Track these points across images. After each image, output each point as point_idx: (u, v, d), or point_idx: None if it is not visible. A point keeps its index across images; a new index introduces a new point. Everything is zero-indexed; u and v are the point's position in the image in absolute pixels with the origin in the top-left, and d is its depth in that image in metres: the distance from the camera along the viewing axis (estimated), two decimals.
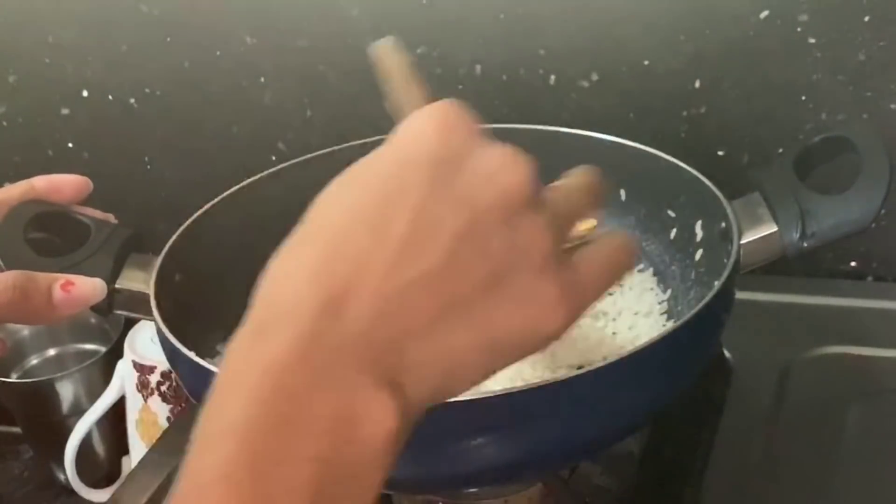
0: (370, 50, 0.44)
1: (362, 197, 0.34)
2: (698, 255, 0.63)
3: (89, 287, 0.58)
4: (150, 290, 0.58)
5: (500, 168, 0.34)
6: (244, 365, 0.33)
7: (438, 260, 0.33)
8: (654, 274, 0.67)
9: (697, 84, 0.78)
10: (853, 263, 0.81)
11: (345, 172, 0.36)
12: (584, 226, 0.37)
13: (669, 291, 0.65)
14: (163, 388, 0.79)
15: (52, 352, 0.94)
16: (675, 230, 0.65)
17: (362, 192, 0.35)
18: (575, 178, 0.39)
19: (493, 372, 0.35)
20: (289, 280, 0.34)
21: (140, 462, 0.72)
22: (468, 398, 0.46)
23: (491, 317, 0.34)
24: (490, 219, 0.34)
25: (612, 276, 0.38)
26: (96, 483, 0.85)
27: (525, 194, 0.34)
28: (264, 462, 0.31)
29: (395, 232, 0.33)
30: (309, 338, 0.32)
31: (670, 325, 0.63)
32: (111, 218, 0.63)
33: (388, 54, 0.44)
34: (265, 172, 0.68)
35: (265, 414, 0.32)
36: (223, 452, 0.31)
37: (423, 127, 0.35)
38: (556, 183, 0.39)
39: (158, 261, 0.60)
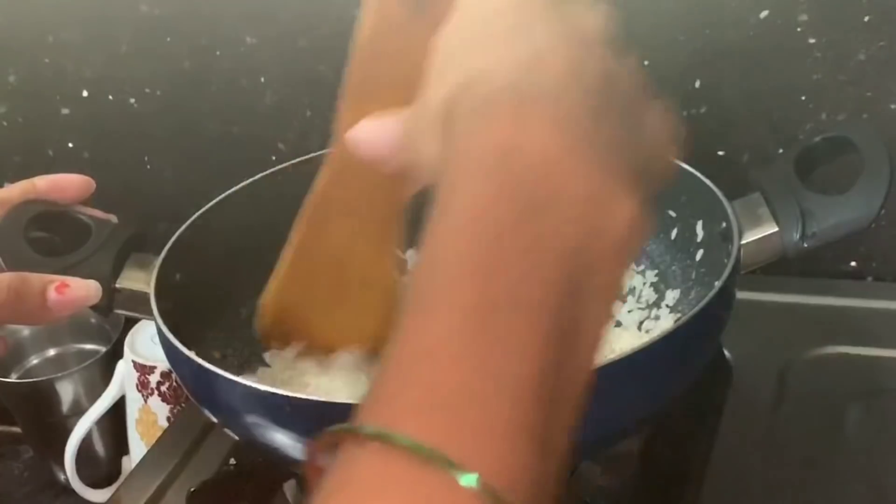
0: None
1: (499, 24, 0.35)
2: (699, 255, 0.63)
3: (84, 289, 0.58)
4: (151, 290, 0.58)
5: (588, 9, 0.37)
6: (484, 148, 0.32)
7: (600, 69, 0.34)
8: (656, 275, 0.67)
9: (697, 84, 0.78)
10: (853, 263, 0.81)
11: (459, 20, 0.36)
12: None
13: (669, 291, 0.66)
14: (163, 388, 0.79)
15: (52, 352, 0.94)
16: (675, 230, 0.65)
17: (498, 21, 0.35)
18: None
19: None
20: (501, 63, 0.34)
21: (140, 462, 0.72)
22: None
23: (641, 128, 0.35)
24: (611, 48, 0.36)
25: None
26: (96, 483, 0.85)
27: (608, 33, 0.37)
28: (512, 254, 0.30)
29: (561, 46, 0.34)
30: (561, 118, 0.32)
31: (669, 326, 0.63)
32: (113, 218, 0.63)
33: None
34: (265, 172, 0.68)
35: (513, 199, 0.31)
36: (464, 241, 0.30)
37: None
38: None
39: (158, 260, 0.60)
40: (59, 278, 0.57)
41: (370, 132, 0.40)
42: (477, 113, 0.33)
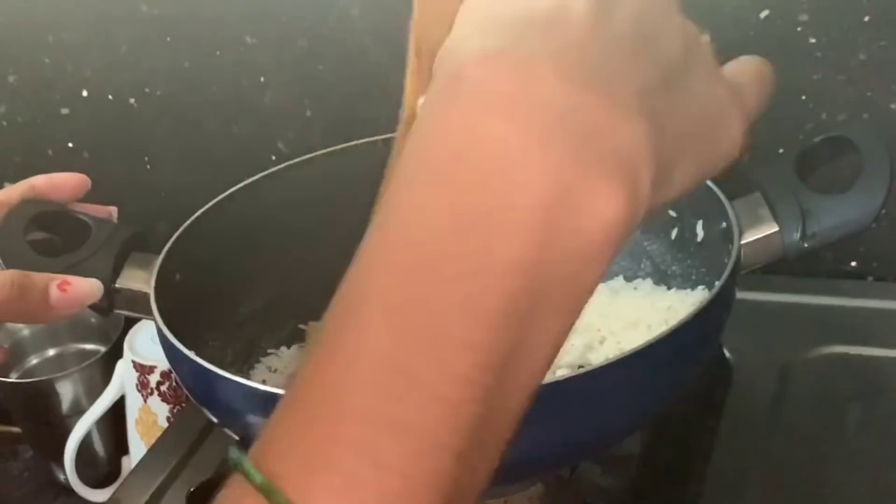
0: None
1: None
2: (699, 255, 0.63)
3: (86, 287, 0.58)
4: (151, 290, 0.58)
5: None
6: (435, 132, 0.27)
7: (639, 34, 0.30)
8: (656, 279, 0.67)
9: None
10: (853, 263, 0.81)
11: None
12: None
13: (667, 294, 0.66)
14: (163, 388, 0.79)
15: (52, 352, 0.94)
16: (676, 230, 0.65)
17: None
18: None
19: (697, 180, 0.32)
20: (486, 27, 0.28)
21: (140, 462, 0.72)
22: None
23: (692, 98, 0.31)
24: (670, 11, 0.32)
25: (763, 88, 0.36)
26: (96, 483, 0.85)
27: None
28: (439, 277, 0.26)
29: (577, 6, 0.29)
30: (542, 101, 0.26)
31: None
32: (113, 211, 0.63)
33: None
34: (265, 172, 0.68)
35: (453, 203, 0.26)
36: (389, 266, 0.26)
37: None
38: None
39: (159, 260, 0.60)
40: (61, 276, 0.57)
41: None
42: (441, 93, 0.28)
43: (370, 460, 0.26)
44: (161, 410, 0.79)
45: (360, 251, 0.28)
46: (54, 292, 0.57)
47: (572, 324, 0.27)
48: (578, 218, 0.26)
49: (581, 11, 0.29)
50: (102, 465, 0.87)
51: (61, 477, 0.86)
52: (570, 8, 0.29)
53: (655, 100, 0.29)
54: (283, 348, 0.68)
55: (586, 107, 0.27)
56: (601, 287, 0.66)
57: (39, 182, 0.61)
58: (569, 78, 0.27)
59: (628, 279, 0.68)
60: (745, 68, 0.35)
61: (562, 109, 0.26)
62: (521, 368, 0.27)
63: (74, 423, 0.82)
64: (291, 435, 0.27)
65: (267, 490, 0.26)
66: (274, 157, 0.90)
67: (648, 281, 0.67)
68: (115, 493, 0.70)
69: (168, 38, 0.89)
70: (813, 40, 0.75)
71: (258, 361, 0.67)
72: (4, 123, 0.98)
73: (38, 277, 0.57)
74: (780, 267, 0.60)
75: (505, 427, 0.28)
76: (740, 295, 0.55)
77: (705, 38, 0.33)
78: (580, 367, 0.58)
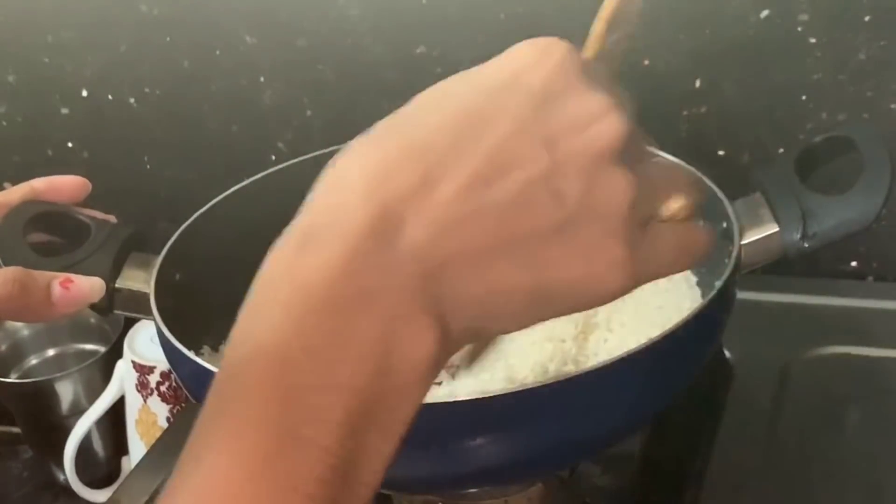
0: None
1: (447, 112, 0.33)
2: None
3: (88, 285, 0.58)
4: (150, 290, 0.58)
5: (595, 116, 0.33)
6: (283, 276, 0.32)
7: (507, 196, 0.32)
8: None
9: (697, 84, 0.78)
10: (853, 263, 0.81)
11: (444, 82, 0.35)
12: (675, 204, 0.37)
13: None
14: (162, 388, 0.79)
15: (51, 352, 0.94)
16: None
17: (449, 107, 0.33)
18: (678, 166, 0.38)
19: (535, 321, 0.34)
20: (345, 186, 0.32)
21: (140, 462, 0.72)
22: (468, 398, 0.46)
23: (548, 263, 0.33)
24: (571, 167, 0.32)
25: (682, 260, 0.37)
26: (96, 483, 0.85)
27: (615, 149, 0.33)
28: (295, 389, 0.30)
29: (470, 157, 0.32)
30: (357, 255, 0.31)
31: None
32: (112, 219, 0.63)
33: None
34: (265, 172, 0.68)
35: (301, 334, 0.30)
36: (253, 375, 0.30)
37: (530, 58, 0.34)
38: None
39: (158, 260, 0.60)
40: (63, 274, 0.57)
41: None
42: (287, 238, 0.32)
43: None
44: (161, 410, 0.79)
45: (228, 352, 0.32)
46: (56, 290, 0.57)
47: (395, 446, 0.31)
48: (399, 356, 0.31)
49: (475, 158, 0.32)
50: (102, 465, 0.87)
51: (61, 477, 0.86)
52: (468, 147, 0.32)
53: (515, 248, 0.32)
54: None
55: (402, 260, 0.31)
56: None
57: (39, 183, 0.61)
58: (386, 235, 0.31)
59: None
60: (674, 234, 0.36)
61: (384, 262, 0.31)
62: (361, 476, 0.31)
63: (74, 423, 0.82)
64: None
65: None
66: (274, 157, 0.90)
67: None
68: (115, 493, 0.70)
69: (168, 38, 0.89)
70: (813, 40, 0.75)
71: None
72: (4, 123, 0.97)
73: (41, 275, 0.57)
74: (780, 267, 0.60)
75: None
76: (740, 295, 0.55)
77: (629, 197, 0.33)
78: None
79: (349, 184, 0.32)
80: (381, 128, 0.34)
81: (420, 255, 0.31)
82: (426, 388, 0.32)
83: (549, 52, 0.34)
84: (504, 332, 0.35)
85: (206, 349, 0.62)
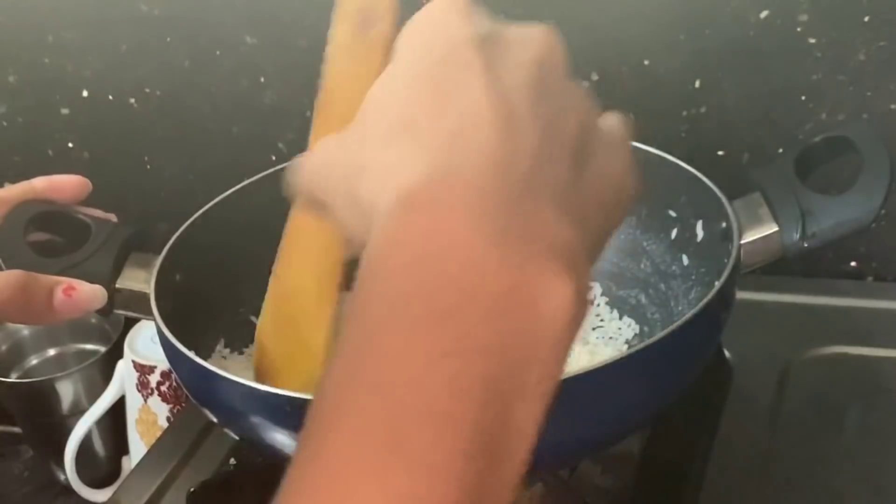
0: None
1: (434, 86, 0.33)
2: (699, 254, 0.63)
3: (90, 293, 0.58)
4: (151, 290, 0.58)
5: (539, 34, 0.35)
6: (399, 241, 0.30)
7: (545, 114, 0.32)
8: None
9: (697, 84, 0.78)
10: (853, 263, 0.81)
11: (392, 70, 0.35)
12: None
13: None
14: (163, 388, 0.79)
15: (52, 352, 0.94)
16: (675, 230, 0.65)
17: (431, 82, 0.33)
18: None
19: (613, 233, 0.35)
20: (415, 158, 0.31)
21: (140, 462, 0.72)
22: None
23: (600, 166, 0.34)
24: (556, 76, 0.34)
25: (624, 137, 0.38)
26: (96, 483, 0.86)
27: (564, 57, 0.35)
28: (425, 361, 0.28)
29: (489, 103, 0.32)
30: (479, 203, 0.29)
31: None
32: (113, 218, 0.63)
33: None
34: (265, 172, 0.68)
35: (428, 298, 0.29)
36: (378, 345, 0.29)
37: (443, 15, 0.35)
38: None
39: (159, 260, 0.60)
40: (66, 280, 0.57)
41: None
42: (393, 214, 0.30)
43: None
44: (161, 410, 0.79)
45: (345, 339, 0.30)
46: (59, 296, 0.57)
47: (547, 405, 0.30)
48: (535, 309, 0.29)
49: (489, 120, 0.31)
50: (102, 465, 0.87)
51: (61, 477, 0.87)
52: (480, 114, 0.31)
53: (570, 194, 0.32)
54: None
55: (525, 213, 0.30)
56: None
57: (40, 183, 0.61)
58: (506, 189, 0.30)
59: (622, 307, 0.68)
60: (613, 122, 0.37)
61: (506, 215, 0.30)
62: (509, 446, 0.29)
63: (74, 423, 0.82)
64: None
65: None
66: (274, 157, 0.90)
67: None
68: (115, 493, 0.70)
69: (168, 38, 0.89)
70: (813, 40, 0.75)
71: None
72: (4, 123, 0.98)
73: (44, 280, 0.57)
74: (780, 267, 0.60)
75: (499, 499, 0.29)
76: (740, 295, 0.55)
77: (587, 94, 0.35)
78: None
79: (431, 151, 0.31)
80: (393, 123, 0.33)
81: (539, 208, 0.30)
82: (569, 344, 0.30)
83: (456, 3, 0.35)
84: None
85: (220, 345, 0.62)
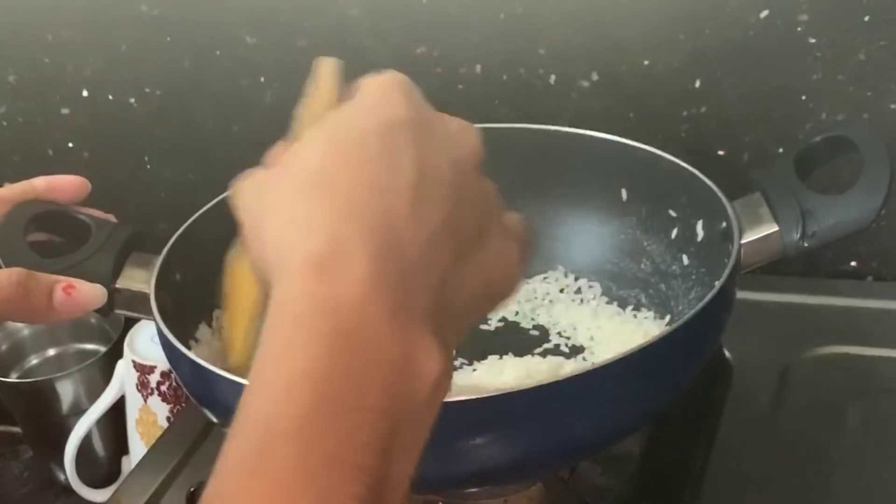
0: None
1: (363, 153, 0.36)
2: (699, 254, 0.63)
3: (90, 292, 0.58)
4: (151, 290, 0.58)
5: (462, 131, 0.38)
6: (307, 305, 0.32)
7: (448, 208, 0.35)
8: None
9: (697, 84, 0.78)
10: (853, 263, 0.81)
11: (328, 128, 0.38)
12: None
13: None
14: (163, 388, 0.79)
15: (52, 352, 0.94)
16: (676, 230, 0.65)
17: (361, 149, 0.36)
18: None
19: (484, 318, 0.38)
20: (324, 219, 0.34)
21: (140, 462, 0.72)
22: (468, 398, 0.46)
23: (484, 261, 0.37)
24: (470, 173, 0.37)
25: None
26: (96, 483, 0.86)
27: (481, 156, 0.38)
28: (334, 415, 0.31)
29: (406, 184, 0.35)
30: (377, 278, 0.32)
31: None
32: (112, 219, 0.63)
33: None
34: None
35: (336, 362, 0.31)
36: (291, 395, 0.31)
37: (390, 91, 0.38)
38: None
39: (159, 260, 0.60)
40: (66, 279, 0.57)
41: None
42: (299, 276, 0.33)
43: None
44: (161, 410, 0.79)
45: (255, 384, 0.33)
46: (59, 295, 0.57)
47: (419, 455, 0.33)
48: (417, 375, 0.32)
49: (406, 196, 0.35)
50: (102, 465, 0.87)
51: (61, 477, 0.86)
52: (398, 189, 0.35)
53: (452, 279, 0.35)
54: None
55: (413, 290, 0.33)
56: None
57: (40, 183, 0.61)
58: (401, 267, 0.33)
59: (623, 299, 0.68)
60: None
61: (399, 291, 0.33)
62: (387, 497, 0.32)
63: (74, 423, 0.82)
64: None
65: None
66: None
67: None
68: (115, 493, 0.70)
69: (168, 38, 0.89)
70: (813, 40, 0.75)
71: None
72: (4, 123, 0.97)
73: (44, 278, 0.57)
74: (780, 267, 0.60)
75: None
76: (740, 295, 0.55)
77: (494, 191, 0.38)
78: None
79: (329, 218, 0.34)
80: (313, 179, 0.36)
81: (420, 278, 0.34)
82: (438, 408, 0.34)
83: (401, 84, 0.38)
84: (464, 335, 0.37)
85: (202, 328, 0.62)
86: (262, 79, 0.88)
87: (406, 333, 0.32)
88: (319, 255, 0.33)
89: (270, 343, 0.33)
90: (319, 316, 0.32)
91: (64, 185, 0.61)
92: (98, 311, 0.60)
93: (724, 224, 0.58)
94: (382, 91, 0.38)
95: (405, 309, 0.33)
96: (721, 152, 0.80)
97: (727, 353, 0.71)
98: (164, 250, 0.61)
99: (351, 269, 0.32)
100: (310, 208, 0.35)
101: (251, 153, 0.99)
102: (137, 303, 0.60)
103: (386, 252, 0.33)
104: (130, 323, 0.83)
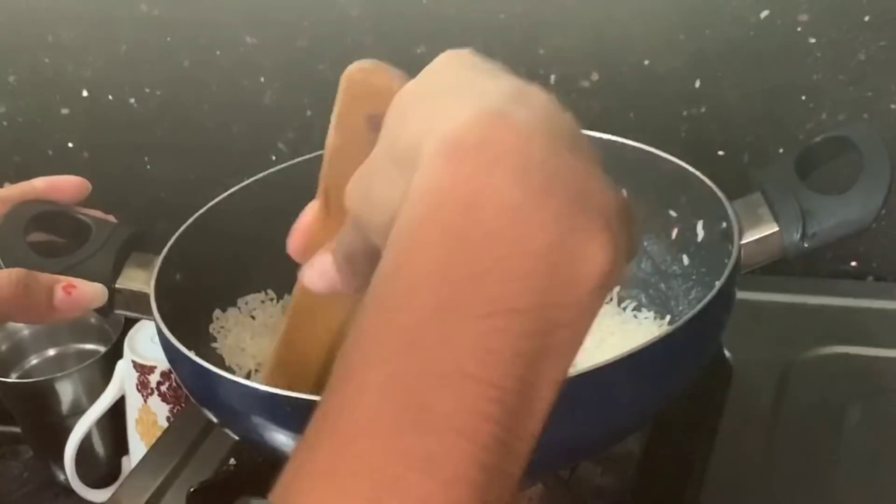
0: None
1: (465, 72, 0.33)
2: (699, 254, 0.63)
3: (90, 292, 0.58)
4: (151, 290, 0.58)
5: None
6: (437, 192, 0.29)
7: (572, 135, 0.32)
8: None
9: (697, 84, 0.78)
10: (853, 263, 0.81)
11: (419, 80, 0.34)
12: None
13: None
14: (163, 388, 0.79)
15: (52, 352, 0.94)
16: (676, 230, 0.65)
17: (467, 70, 0.33)
18: None
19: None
20: (471, 107, 0.30)
21: (140, 462, 0.72)
22: None
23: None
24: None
25: None
26: (96, 483, 0.85)
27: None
28: (458, 318, 0.28)
29: (538, 102, 0.32)
30: (538, 161, 0.29)
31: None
32: (112, 219, 0.63)
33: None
34: (265, 172, 0.68)
35: (471, 252, 0.28)
36: (411, 307, 0.28)
37: (462, 55, 0.35)
38: None
39: (159, 260, 0.60)
40: (66, 279, 0.57)
41: (320, 268, 0.39)
42: (438, 157, 0.30)
43: (394, 495, 0.27)
44: (161, 410, 0.79)
45: (378, 292, 0.30)
46: (59, 294, 0.57)
47: (567, 369, 0.29)
48: (574, 266, 0.29)
49: (544, 97, 0.32)
50: (102, 465, 0.87)
51: (61, 477, 0.86)
52: (528, 90, 0.32)
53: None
54: None
55: (572, 169, 0.30)
56: None
57: (40, 183, 0.61)
58: (556, 143, 0.30)
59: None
60: None
61: (554, 169, 0.29)
62: (531, 407, 0.29)
63: (74, 423, 0.82)
64: (314, 475, 0.28)
65: None
66: (274, 157, 0.90)
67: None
68: (115, 493, 0.70)
69: (168, 38, 0.89)
70: (813, 40, 0.75)
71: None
72: (4, 123, 0.98)
73: (44, 278, 0.57)
74: (780, 267, 0.60)
75: (516, 464, 0.29)
76: (740, 295, 0.55)
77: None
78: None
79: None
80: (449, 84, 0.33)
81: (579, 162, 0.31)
82: (597, 311, 0.29)
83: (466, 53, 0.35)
84: None
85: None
86: (262, 79, 0.88)
87: (562, 217, 0.28)
88: (458, 133, 0.29)
89: (396, 240, 0.29)
90: (455, 209, 0.29)
91: (64, 186, 0.61)
92: (98, 311, 0.60)
93: (725, 224, 0.58)
94: (454, 56, 0.35)
95: (562, 188, 0.29)
96: (721, 152, 0.80)
97: (727, 353, 0.71)
98: (164, 250, 0.61)
99: (495, 144, 0.29)
100: (443, 104, 0.31)
101: (251, 153, 1.00)
102: (137, 303, 0.60)
103: (537, 125, 0.30)
104: (130, 323, 0.83)
